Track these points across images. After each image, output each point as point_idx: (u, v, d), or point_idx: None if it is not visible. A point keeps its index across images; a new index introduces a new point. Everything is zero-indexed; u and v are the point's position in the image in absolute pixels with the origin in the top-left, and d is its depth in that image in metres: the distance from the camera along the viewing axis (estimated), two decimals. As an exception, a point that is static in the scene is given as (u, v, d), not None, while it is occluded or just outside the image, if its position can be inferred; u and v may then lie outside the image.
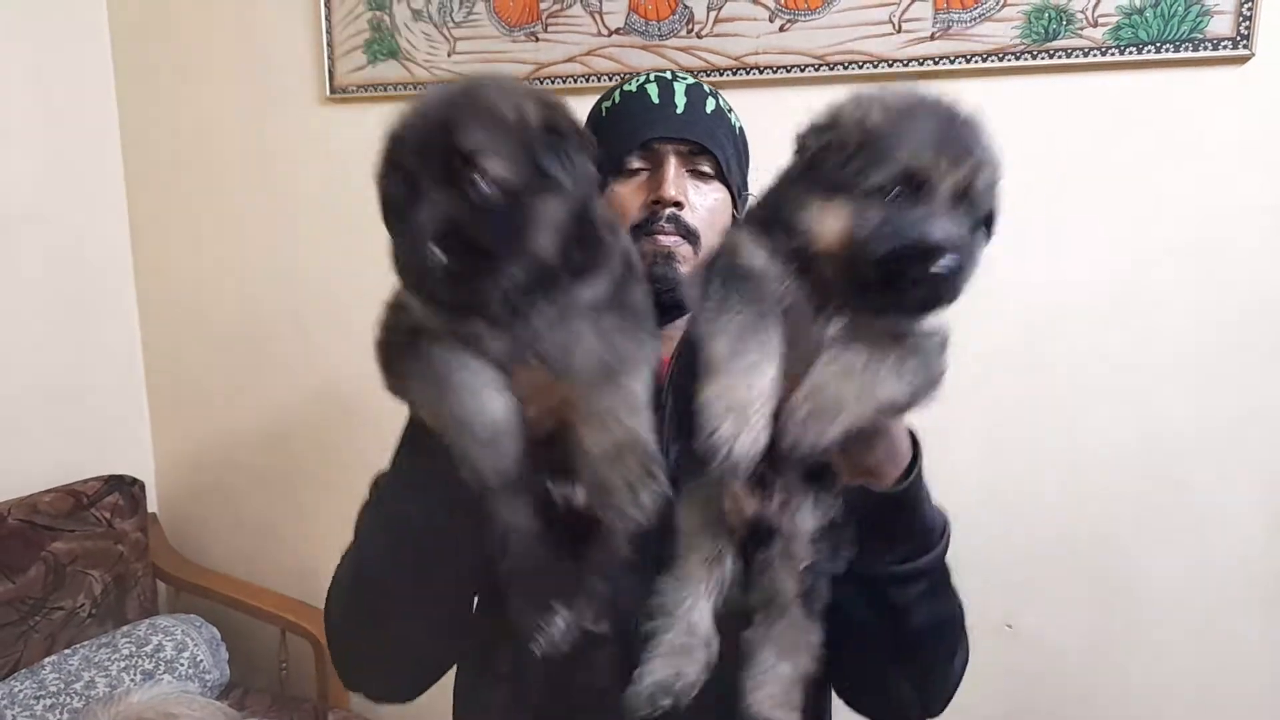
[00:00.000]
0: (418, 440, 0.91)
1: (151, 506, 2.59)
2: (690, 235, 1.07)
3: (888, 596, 0.94)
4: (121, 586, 2.37)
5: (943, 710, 1.05)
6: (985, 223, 0.78)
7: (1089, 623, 1.81)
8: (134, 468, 2.52)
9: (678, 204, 1.06)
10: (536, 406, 0.80)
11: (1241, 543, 1.71)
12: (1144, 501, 1.75)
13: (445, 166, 0.71)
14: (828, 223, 0.75)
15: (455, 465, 0.77)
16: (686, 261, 1.07)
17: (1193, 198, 1.67)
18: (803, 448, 0.72)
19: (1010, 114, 1.75)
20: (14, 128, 2.34)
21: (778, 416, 0.74)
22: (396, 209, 0.75)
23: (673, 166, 1.08)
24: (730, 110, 1.16)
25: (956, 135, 0.73)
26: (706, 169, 1.10)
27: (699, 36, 1.90)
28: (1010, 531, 1.83)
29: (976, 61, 1.71)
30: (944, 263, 0.71)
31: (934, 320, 0.79)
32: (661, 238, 1.06)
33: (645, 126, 1.09)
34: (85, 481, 2.36)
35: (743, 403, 0.72)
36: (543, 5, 2.04)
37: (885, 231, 0.72)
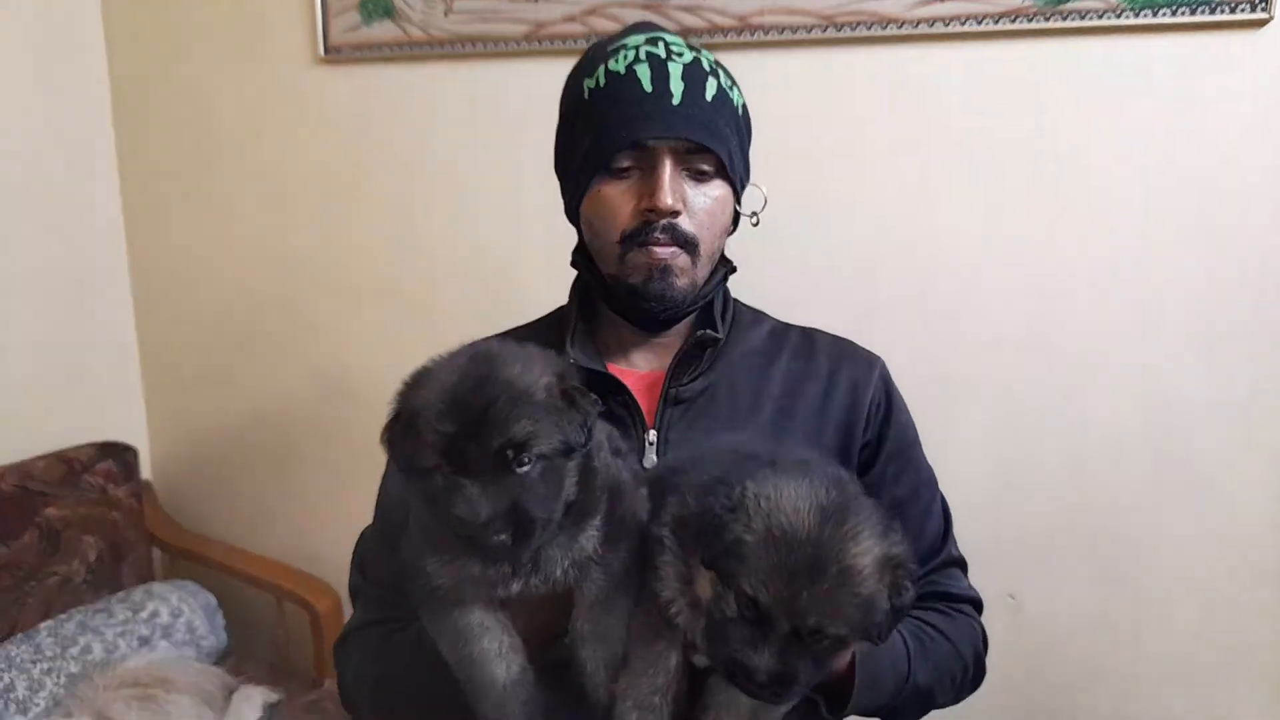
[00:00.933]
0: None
1: (145, 473, 2.58)
2: (688, 244, 0.98)
3: None
4: (116, 553, 2.35)
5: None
6: (868, 639, 0.78)
7: (1094, 596, 1.80)
8: (128, 434, 2.50)
9: (674, 212, 0.97)
10: (543, 634, 0.89)
11: (1248, 517, 1.70)
12: (1150, 476, 1.74)
13: (498, 455, 0.78)
14: (700, 584, 0.80)
15: None
16: (684, 273, 0.99)
17: (1207, 166, 1.62)
18: None
19: (1022, 78, 1.72)
20: (4, 99, 2.28)
21: None
22: (435, 487, 0.80)
23: (668, 169, 0.97)
24: (733, 87, 1.04)
25: (810, 587, 0.72)
26: (706, 167, 0.99)
27: (704, -5, 1.85)
28: (1015, 505, 1.82)
29: (988, 23, 1.66)
30: (760, 686, 0.74)
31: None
32: (657, 249, 0.97)
33: (637, 122, 0.96)
34: (78, 448, 2.34)
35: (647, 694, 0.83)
36: (543, -38, 1.99)
37: (720, 631, 0.77)
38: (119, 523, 2.37)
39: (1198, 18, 1.58)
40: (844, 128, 1.80)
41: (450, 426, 0.77)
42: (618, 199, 0.99)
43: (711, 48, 1.11)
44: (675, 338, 1.08)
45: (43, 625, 2.09)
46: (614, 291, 1.03)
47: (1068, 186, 1.69)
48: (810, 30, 1.78)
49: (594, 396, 0.85)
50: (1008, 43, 1.68)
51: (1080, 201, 1.69)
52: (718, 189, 1.01)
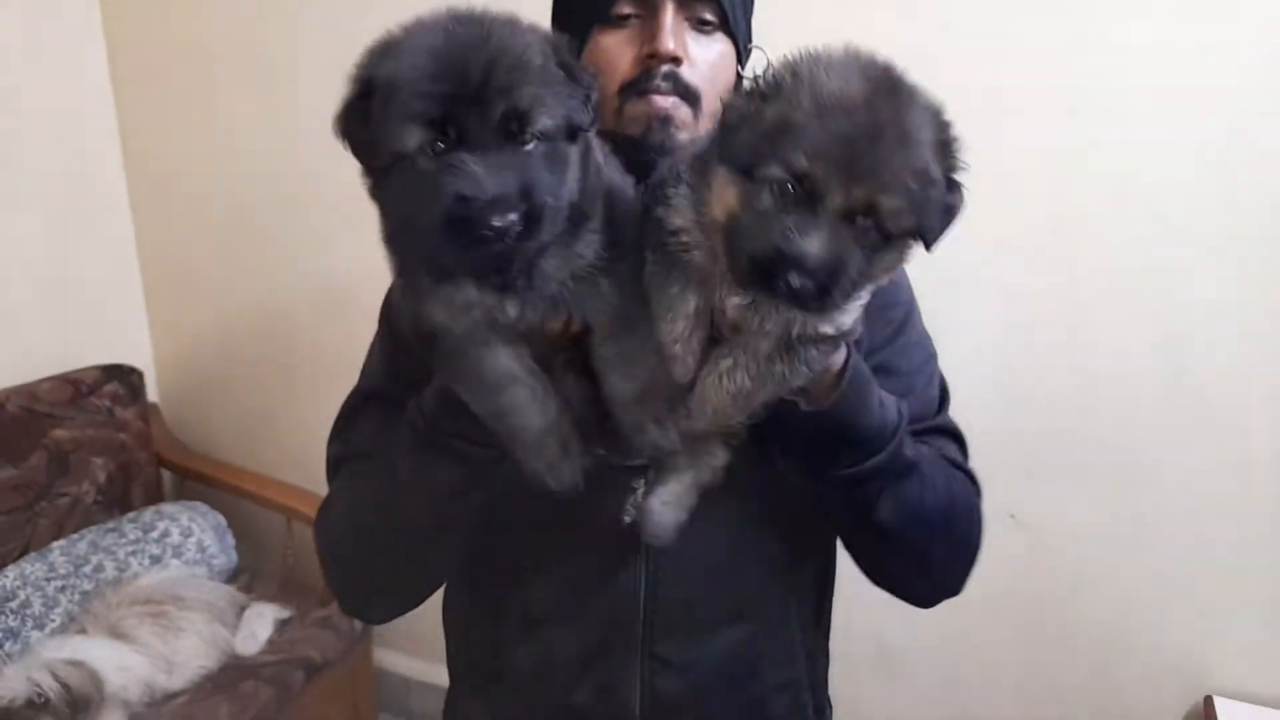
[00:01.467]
0: (453, 408, 0.85)
1: (152, 396, 2.59)
2: (689, 95, 0.93)
3: (850, 497, 0.91)
4: (126, 474, 2.38)
5: (957, 590, 1.03)
6: (920, 236, 0.70)
7: (1094, 510, 1.80)
8: (132, 358, 2.49)
9: (675, 59, 0.91)
10: (565, 356, 0.83)
11: (1252, 438, 1.69)
12: (1157, 395, 1.72)
13: (502, 126, 0.67)
14: (721, 196, 0.70)
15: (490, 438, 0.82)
16: (685, 126, 0.93)
17: (1219, 89, 1.56)
18: (723, 420, 0.78)
19: (1028, 10, 1.65)
20: None
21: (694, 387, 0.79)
22: (416, 175, 0.68)
23: (670, 14, 0.91)
24: None
25: (868, 151, 0.65)
26: (709, 17, 0.94)
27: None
28: (1018, 423, 1.80)
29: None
30: (797, 280, 0.65)
31: (836, 321, 0.76)
32: (657, 98, 0.92)
33: None
34: (84, 370, 2.34)
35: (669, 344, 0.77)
36: None
37: (755, 228, 0.68)
38: (127, 444, 2.38)
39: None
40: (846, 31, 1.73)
41: (446, 87, 0.66)
42: (617, 48, 0.94)
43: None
44: None
45: (55, 544, 2.13)
46: (612, 147, 0.95)
47: (1076, 97, 1.63)
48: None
49: (592, 70, 0.78)
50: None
51: (1095, 122, 1.63)
52: (720, 43, 0.96)
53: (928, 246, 0.71)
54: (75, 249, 2.47)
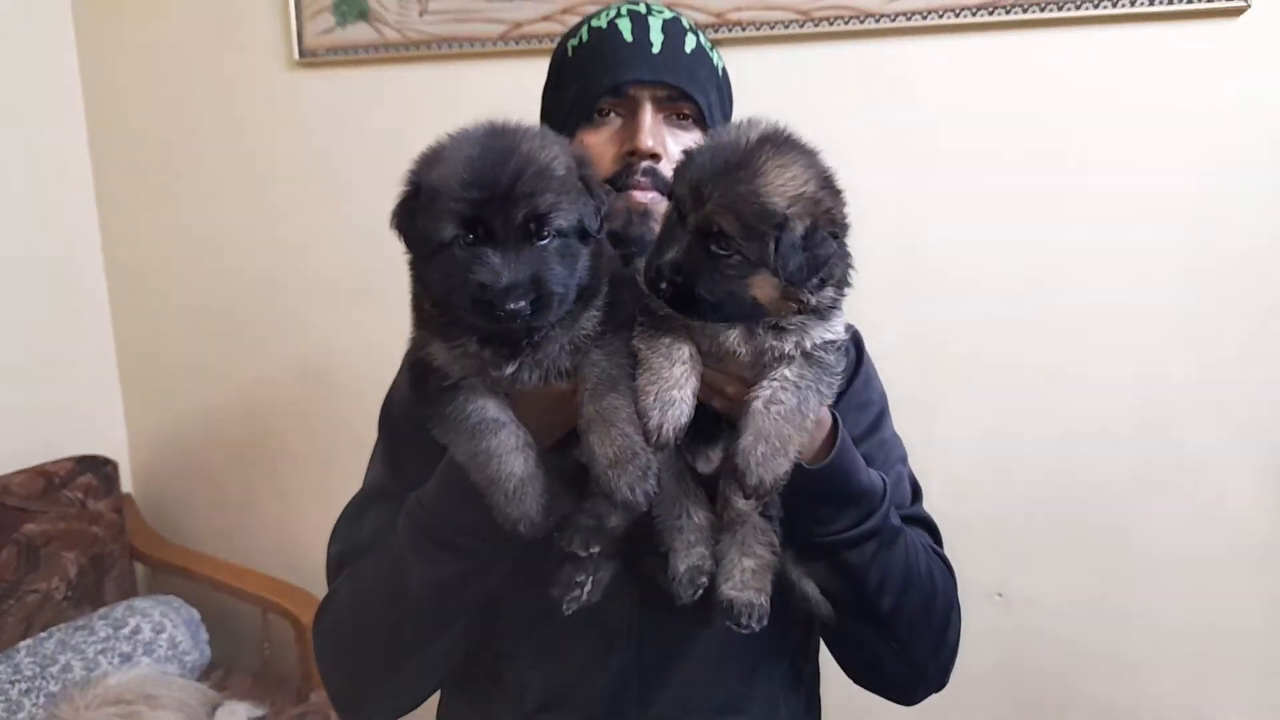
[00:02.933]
0: (452, 500, 0.89)
1: (126, 486, 2.55)
2: (668, 189, 0.95)
3: (845, 564, 0.92)
4: (98, 568, 2.32)
5: (941, 684, 1.03)
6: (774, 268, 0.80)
7: (1082, 581, 1.80)
8: (108, 447, 2.46)
9: (654, 155, 0.97)
10: (553, 418, 0.89)
11: (1235, 500, 1.70)
12: (1138, 459, 1.74)
13: (523, 226, 0.79)
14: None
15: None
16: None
17: (1189, 151, 1.63)
18: (765, 485, 0.81)
19: (1003, 67, 1.71)
20: None
21: (734, 458, 0.82)
22: (451, 262, 0.81)
23: (649, 113, 0.98)
24: (713, 49, 1.06)
25: (717, 180, 0.78)
26: (686, 113, 1.00)
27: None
28: (1003, 489, 1.81)
29: (966, 15, 1.65)
30: (662, 282, 0.80)
31: (831, 328, 0.85)
32: (637, 194, 0.97)
33: (618, 68, 0.98)
34: (57, 462, 2.30)
35: (667, 387, 0.83)
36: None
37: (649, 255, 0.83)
38: (100, 537, 2.33)
39: (1177, 6, 1.57)
40: (823, 120, 1.77)
41: (477, 194, 0.78)
42: (600, 145, 1.00)
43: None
44: None
45: (21, 644, 2.06)
46: None
47: (1052, 172, 1.69)
48: (787, 25, 1.76)
49: (608, 185, 0.87)
50: (989, 35, 1.67)
51: (1066, 186, 1.69)
52: (698, 138, 1.01)
53: (787, 281, 0.79)
54: (52, 338, 2.46)
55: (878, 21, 1.70)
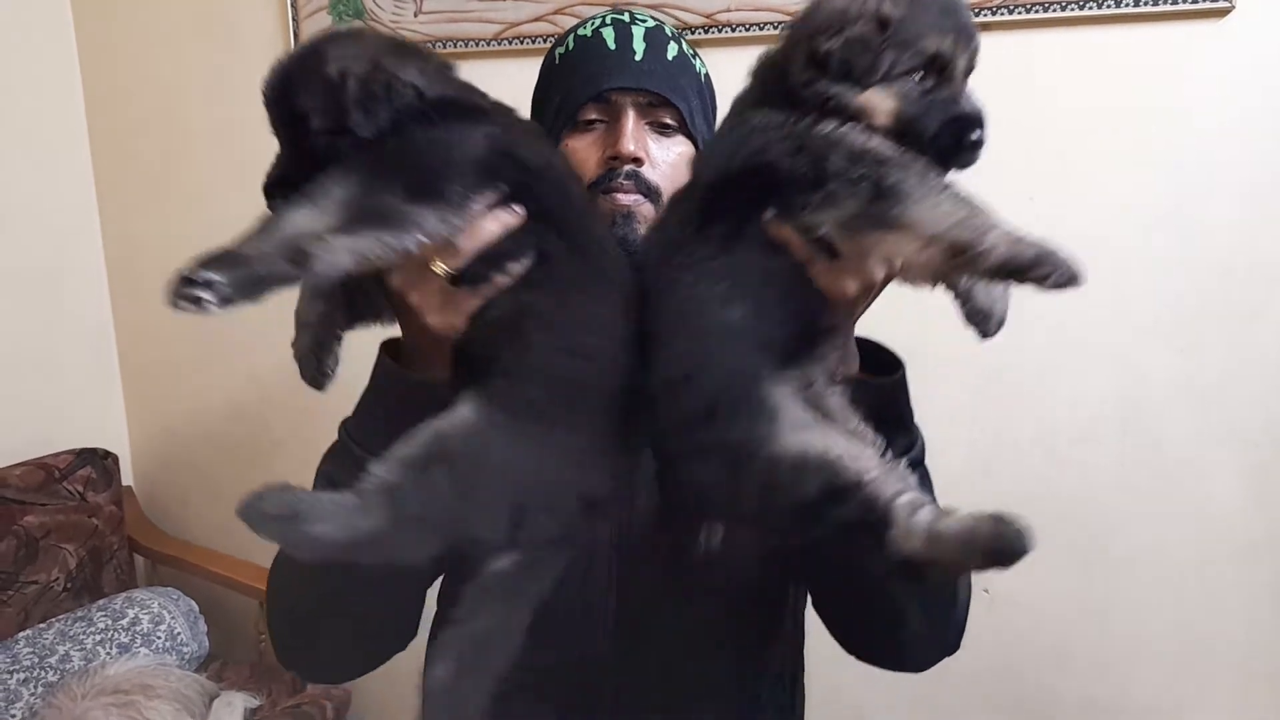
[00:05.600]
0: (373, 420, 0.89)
1: (126, 479, 2.57)
2: (651, 193, 1.00)
3: None
4: (97, 560, 2.35)
5: (957, 644, 1.01)
6: None
7: (1065, 580, 1.81)
8: (108, 440, 2.49)
9: (637, 160, 0.99)
10: None
11: (1218, 500, 1.71)
12: (1120, 460, 1.75)
13: (288, 122, 0.85)
14: (878, 104, 0.78)
15: None
16: (647, 222, 1.00)
17: (1172, 154, 1.64)
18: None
19: (989, 69, 1.72)
20: None
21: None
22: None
23: (631, 119, 1.00)
24: (695, 56, 1.09)
25: (958, 16, 0.80)
26: (669, 121, 1.03)
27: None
28: (987, 489, 1.82)
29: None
30: (980, 132, 0.79)
31: None
32: (620, 196, 0.99)
33: (601, 75, 1.01)
34: (56, 455, 2.33)
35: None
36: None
37: (932, 109, 0.78)
38: (99, 529, 2.36)
39: (1163, 8, 1.59)
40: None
41: (267, 94, 0.90)
42: (584, 150, 1.02)
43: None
44: None
45: (20, 635, 2.09)
46: None
47: (1038, 172, 1.70)
48: (778, 27, 1.78)
49: (408, 87, 0.86)
50: (974, 36, 1.68)
51: (1050, 186, 1.70)
52: (680, 145, 1.04)
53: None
54: (52, 331, 2.49)
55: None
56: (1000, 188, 1.70)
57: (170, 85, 2.42)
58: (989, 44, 1.69)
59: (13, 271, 2.37)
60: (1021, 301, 1.73)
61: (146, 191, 2.52)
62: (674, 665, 1.01)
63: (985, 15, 1.65)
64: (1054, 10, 1.62)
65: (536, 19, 1.98)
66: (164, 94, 2.44)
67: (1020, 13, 1.64)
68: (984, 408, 1.81)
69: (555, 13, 1.95)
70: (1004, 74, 1.67)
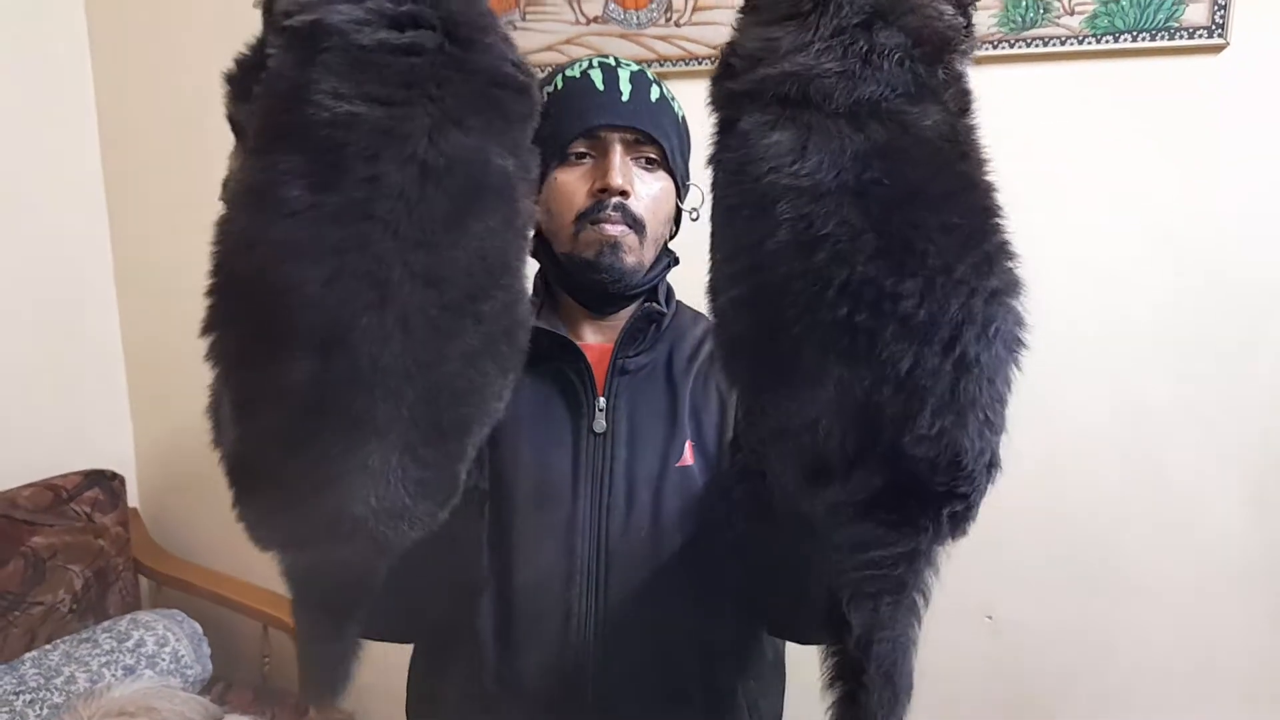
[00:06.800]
0: None
1: (133, 501, 2.58)
2: (636, 224, 1.07)
3: None
4: (103, 581, 2.35)
5: None
6: None
7: (1067, 605, 1.83)
8: (115, 461, 2.50)
9: (624, 192, 1.06)
10: None
11: (1221, 522, 1.74)
12: (1119, 482, 1.78)
13: None
14: None
15: None
16: (632, 251, 1.07)
17: (1169, 183, 1.68)
18: None
19: (987, 102, 1.76)
20: None
21: None
22: None
23: (618, 154, 1.06)
24: (673, 99, 1.16)
25: None
26: (652, 156, 1.10)
27: (677, 25, 1.89)
28: (990, 514, 1.83)
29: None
30: None
31: None
32: (608, 226, 1.06)
33: (590, 113, 1.07)
34: (65, 476, 2.34)
35: None
36: (520, -7, 2.03)
37: None
38: (105, 550, 2.37)
39: (1158, 43, 1.63)
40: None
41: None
42: (573, 183, 1.08)
43: (687, 76, 1.16)
44: (622, 319, 1.15)
45: (27, 655, 2.09)
46: (568, 269, 1.11)
47: (1035, 204, 1.71)
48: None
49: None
50: (974, 69, 1.72)
51: (1046, 218, 1.74)
52: (662, 179, 1.11)
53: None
54: (61, 352, 2.51)
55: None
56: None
57: (183, 107, 2.45)
58: (990, 78, 1.75)
59: (23, 294, 2.40)
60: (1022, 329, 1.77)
61: (158, 212, 2.55)
62: (651, 662, 1.04)
63: (987, 49, 1.69)
64: (1054, 45, 1.67)
65: (546, 48, 2.02)
66: (174, 108, 2.46)
67: (1021, 47, 1.68)
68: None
69: (565, 42, 2.00)
70: (1005, 108, 1.72)
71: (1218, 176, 1.65)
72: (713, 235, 0.98)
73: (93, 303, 2.60)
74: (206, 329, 0.79)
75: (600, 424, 1.10)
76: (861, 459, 0.66)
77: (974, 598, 1.86)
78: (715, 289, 0.79)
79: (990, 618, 1.88)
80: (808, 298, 0.65)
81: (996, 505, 1.83)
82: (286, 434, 0.73)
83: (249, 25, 0.79)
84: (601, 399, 1.11)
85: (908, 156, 0.66)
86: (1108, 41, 1.64)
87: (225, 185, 0.79)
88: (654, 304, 1.15)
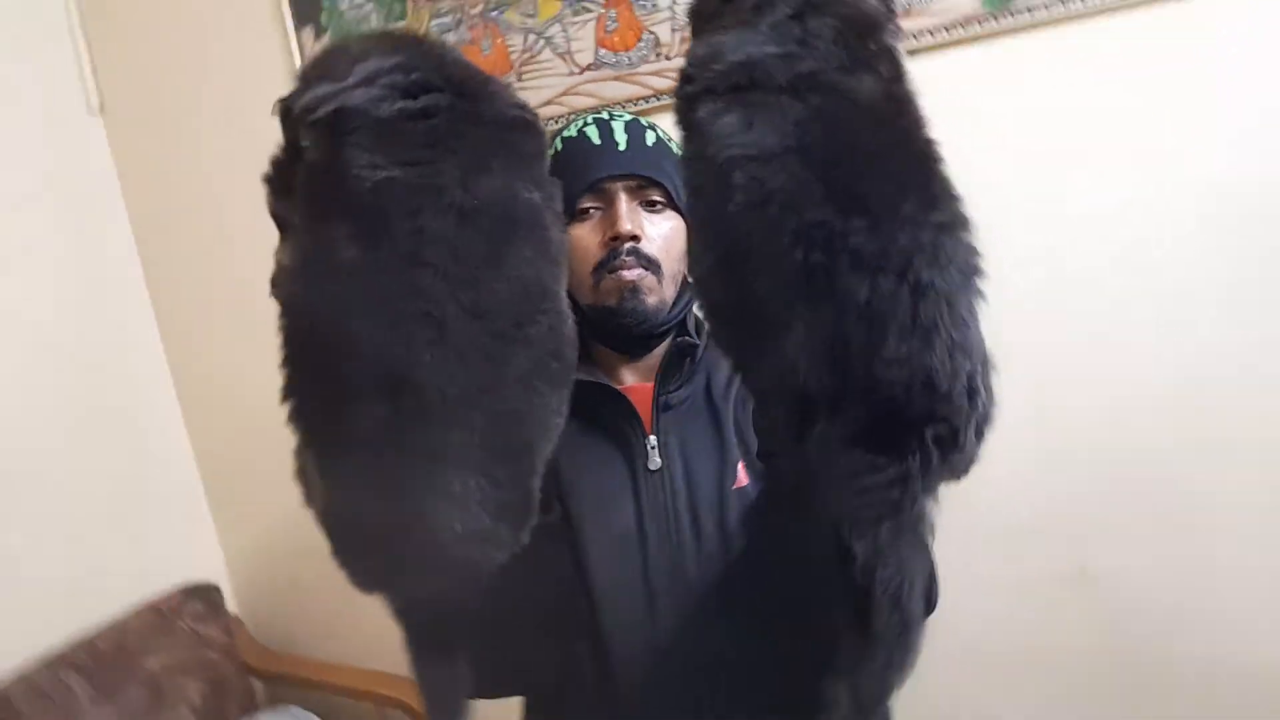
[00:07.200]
0: None
1: (231, 607, 2.66)
2: (651, 264, 1.11)
3: None
4: (219, 691, 2.43)
5: None
6: None
7: (1160, 548, 1.80)
8: (207, 570, 2.59)
9: (634, 237, 1.10)
10: None
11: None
12: (1188, 424, 1.74)
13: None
14: None
15: None
16: (653, 291, 1.11)
17: (1170, 150, 1.66)
18: None
19: (977, 80, 1.74)
20: (33, 253, 2.37)
21: None
22: None
23: (624, 202, 1.11)
24: (670, 140, 1.19)
25: None
26: (657, 198, 1.13)
27: (668, 58, 1.93)
28: (1064, 471, 1.83)
29: (941, 35, 1.71)
30: None
31: None
32: (625, 272, 1.10)
33: (591, 168, 1.12)
34: (166, 596, 2.43)
35: None
36: (512, 54, 2.08)
37: None
38: (215, 661, 2.45)
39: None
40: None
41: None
42: (586, 237, 1.12)
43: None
44: (656, 357, 1.18)
45: (165, 774, 2.16)
46: (594, 319, 1.14)
47: (1028, 181, 1.74)
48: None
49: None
50: (962, 49, 1.73)
51: (1042, 195, 1.73)
52: (670, 218, 1.14)
53: None
54: (137, 470, 2.58)
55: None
56: (994, 196, 1.76)
57: (221, 219, 2.53)
58: (973, 56, 1.74)
59: (91, 430, 2.47)
60: (1079, 276, 1.75)
61: (208, 323, 2.63)
62: (672, 692, 1.06)
63: (974, 28, 1.70)
64: (1039, 12, 1.66)
65: (546, 103, 2.07)
66: (210, 211, 2.54)
67: (1006, 20, 1.68)
68: (1048, 387, 1.80)
69: (563, 94, 2.05)
70: (994, 85, 1.73)
71: (1209, 128, 1.63)
72: (687, 222, 1.07)
73: (157, 419, 2.68)
74: (284, 397, 0.85)
75: (655, 461, 1.12)
76: (841, 393, 0.69)
77: (1066, 556, 1.85)
78: (693, 265, 0.83)
79: (1083, 570, 1.86)
80: (767, 249, 0.69)
81: (1070, 462, 1.83)
82: (370, 477, 0.77)
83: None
84: (652, 437, 1.14)
85: (846, 118, 0.71)
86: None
87: (274, 279, 0.85)
88: (685, 338, 1.18)
